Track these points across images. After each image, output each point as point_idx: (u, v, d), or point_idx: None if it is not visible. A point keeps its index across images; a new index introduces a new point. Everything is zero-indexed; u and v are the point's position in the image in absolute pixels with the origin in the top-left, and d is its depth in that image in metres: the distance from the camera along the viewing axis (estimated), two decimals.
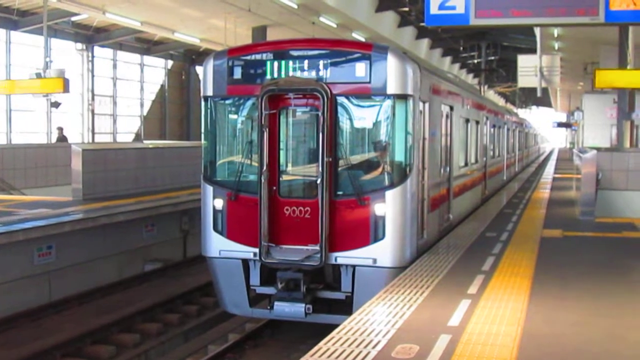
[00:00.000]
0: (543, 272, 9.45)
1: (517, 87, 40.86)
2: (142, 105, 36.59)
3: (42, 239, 12.40)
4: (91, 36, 31.35)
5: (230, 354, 10.17)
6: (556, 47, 29.14)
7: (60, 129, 26.29)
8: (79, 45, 31.22)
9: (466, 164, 15.09)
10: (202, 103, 10.33)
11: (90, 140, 31.80)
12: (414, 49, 36.41)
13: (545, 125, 76.98)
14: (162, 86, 38.60)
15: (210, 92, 10.18)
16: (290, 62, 9.80)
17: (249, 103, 10.03)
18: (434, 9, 7.89)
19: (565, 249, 11.51)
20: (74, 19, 27.90)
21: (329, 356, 6.01)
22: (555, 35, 26.02)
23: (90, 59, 31.84)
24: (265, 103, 9.49)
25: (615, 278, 9.22)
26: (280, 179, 9.87)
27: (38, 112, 27.81)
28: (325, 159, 9.34)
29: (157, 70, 37.97)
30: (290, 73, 9.74)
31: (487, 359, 5.98)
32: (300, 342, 10.12)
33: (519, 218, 14.95)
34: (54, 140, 26.30)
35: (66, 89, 20.05)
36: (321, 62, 9.67)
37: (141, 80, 36.38)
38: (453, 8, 7.80)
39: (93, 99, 32.37)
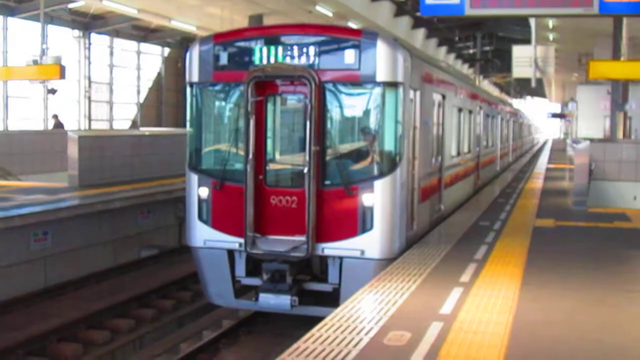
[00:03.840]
0: (535, 261, 9.47)
1: (511, 78, 40.83)
2: (138, 92, 36.50)
3: (38, 225, 12.39)
4: (88, 23, 31.22)
5: (224, 340, 10.20)
6: (551, 38, 29.14)
7: (55, 116, 26.23)
8: (76, 33, 31.09)
9: (458, 154, 14.89)
10: (187, 89, 10.04)
11: (87, 127, 31.72)
12: (409, 39, 36.35)
13: (539, 116, 77.01)
14: (159, 73, 38.51)
15: (195, 79, 9.90)
16: (278, 48, 9.48)
17: (236, 90, 9.74)
18: (429, 0, 7.86)
19: (557, 238, 11.54)
20: (70, 5, 27.78)
21: (322, 342, 6.02)
22: (550, 26, 26.02)
23: (87, 46, 31.71)
24: (252, 90, 9.23)
25: (607, 267, 9.24)
26: (267, 167, 9.63)
27: (34, 98, 27.72)
28: (312, 147, 9.07)
29: (153, 57, 37.84)
30: (278, 59, 9.45)
31: (479, 347, 6.00)
32: (295, 329, 10.13)
33: (512, 207, 14.98)
34: (50, 127, 26.23)
35: (63, 75, 20.01)
36: (310, 48, 9.36)
37: (138, 67, 36.27)
38: None
39: (90, 86, 32.27)
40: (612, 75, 19.11)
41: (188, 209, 10.02)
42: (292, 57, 9.39)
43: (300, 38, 9.48)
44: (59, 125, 25.41)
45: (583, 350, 6.02)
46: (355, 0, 28.63)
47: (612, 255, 10.05)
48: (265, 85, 9.43)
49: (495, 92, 61.24)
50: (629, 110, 25.77)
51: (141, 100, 36.79)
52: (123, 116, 35.39)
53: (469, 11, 7.74)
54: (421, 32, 40.60)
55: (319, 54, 9.34)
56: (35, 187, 16.40)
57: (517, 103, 64.35)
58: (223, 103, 10.17)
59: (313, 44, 9.38)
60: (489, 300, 7.40)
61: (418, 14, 8.18)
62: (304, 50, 9.37)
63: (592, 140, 22.06)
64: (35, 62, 20.30)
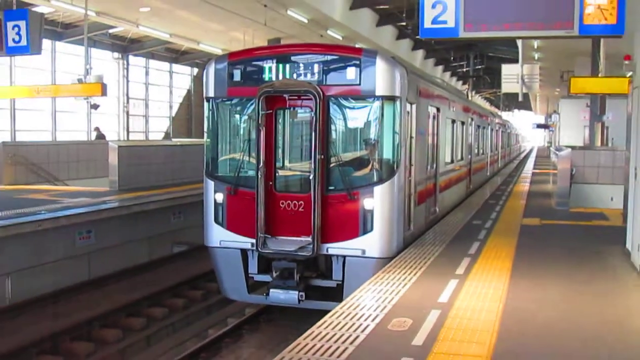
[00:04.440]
0: (523, 255, 9.45)
1: (501, 93, 40.66)
2: (170, 107, 36.60)
3: (83, 224, 12.46)
4: (126, 46, 31.37)
5: (247, 326, 10.21)
6: (536, 57, 29.02)
7: (97, 129, 26.40)
8: (116, 54, 31.24)
9: (452, 161, 14.67)
10: (205, 104, 9.93)
11: (125, 138, 31.85)
12: (410, 59, 36.32)
13: (526, 126, 76.65)
14: (189, 91, 38.57)
15: (212, 94, 9.79)
16: (286, 66, 9.35)
17: (248, 104, 9.52)
18: (427, 23, 7.82)
19: (542, 235, 11.51)
20: (111, 31, 27.93)
21: (333, 327, 6.03)
22: (535, 46, 25.92)
23: (125, 66, 31.86)
24: (263, 104, 9.10)
25: (586, 261, 9.21)
26: (276, 174, 9.49)
27: (79, 113, 27.86)
28: (317, 156, 8.93)
29: (184, 76, 37.93)
30: (286, 76, 9.32)
31: (473, 331, 5.99)
32: (308, 318, 10.12)
33: (501, 208, 14.94)
34: (93, 138, 26.37)
35: (104, 92, 20.05)
36: (315, 66, 9.23)
37: (170, 85, 36.37)
38: (444, 22, 7.74)
39: (128, 101, 32.41)
40: (591, 90, 18.99)
41: (205, 212, 9.91)
42: (299, 74, 9.27)
43: (307, 57, 9.35)
44: (100, 136, 25.54)
45: (567, 334, 6.00)
46: (363, 25, 28.64)
47: (591, 251, 10.01)
48: (275, 100, 9.29)
49: (486, 105, 61.05)
50: (606, 120, 25.61)
51: (173, 114, 36.87)
52: (157, 128, 35.49)
53: (463, 34, 7.69)
54: (420, 53, 40.58)
55: (323, 70, 9.23)
56: (80, 191, 16.49)
57: (505, 115, 64.06)
58: (237, 116, 9.96)
59: (318, 62, 9.26)
60: (481, 291, 7.38)
61: (418, 36, 8.02)
62: (310, 67, 9.26)
63: (573, 147, 21.93)
64: (80, 81, 20.38)
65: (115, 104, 31.48)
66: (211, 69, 9.79)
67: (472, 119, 18.12)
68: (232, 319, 10.60)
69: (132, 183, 16.82)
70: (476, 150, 19.45)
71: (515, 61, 29.56)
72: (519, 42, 26.09)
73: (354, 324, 6.13)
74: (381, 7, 29.12)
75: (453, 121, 14.55)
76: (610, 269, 8.78)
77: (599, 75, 20.36)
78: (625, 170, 11.14)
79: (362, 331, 5.92)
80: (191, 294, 12.26)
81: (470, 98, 33.35)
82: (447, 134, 13.68)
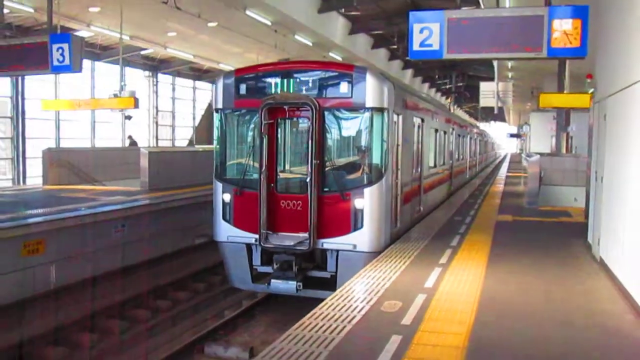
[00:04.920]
0: (497, 247, 9.45)
1: (479, 106, 40.67)
2: (194, 118, 36.59)
3: (118, 219, 12.46)
4: (156, 65, 31.38)
5: (259, 307, 10.20)
6: (510, 76, 28.97)
7: (130, 137, 26.48)
8: (147, 73, 31.24)
9: (435, 165, 14.51)
10: (214, 114, 9.80)
11: (155, 145, 31.86)
12: (400, 77, 36.30)
13: (501, 136, 76.57)
14: (209, 104, 38.62)
15: (220, 105, 9.61)
16: (286, 81, 9.24)
17: (252, 114, 9.34)
18: (416, 46, 7.83)
19: (515, 230, 11.50)
20: (142, 52, 27.93)
21: (333, 309, 6.04)
22: (509, 66, 25.88)
23: (155, 83, 31.85)
24: (265, 114, 8.98)
25: (553, 253, 9.21)
26: (278, 177, 9.35)
27: (115, 123, 27.88)
28: (313, 161, 8.80)
29: (205, 92, 37.93)
30: (286, 90, 9.19)
31: (454, 311, 6.00)
32: (308, 305, 10.12)
33: (479, 206, 14.93)
34: (126, 144, 26.40)
35: (136, 105, 20.10)
36: (312, 81, 9.12)
37: (193, 99, 36.36)
38: (430, 45, 7.74)
39: (157, 113, 32.39)
40: (557, 104, 18.94)
41: (214, 211, 9.77)
42: (298, 88, 9.16)
43: (304, 73, 9.23)
44: (133, 143, 25.58)
45: (537, 314, 6.01)
46: (360, 48, 28.64)
47: (556, 242, 10.01)
48: (276, 111, 9.13)
49: (466, 117, 60.94)
50: (570, 131, 25.58)
51: (195, 124, 36.88)
52: (182, 136, 35.48)
53: (446, 55, 7.69)
54: (409, 72, 40.57)
55: (319, 85, 9.11)
56: (115, 190, 16.51)
57: (483, 126, 63.93)
58: (242, 125, 9.78)
59: (314, 77, 9.15)
60: (462, 277, 7.39)
61: (407, 57, 7.94)
62: (307, 82, 9.14)
63: (541, 154, 21.95)
64: (115, 95, 20.40)
65: (146, 115, 31.48)
66: (220, 84, 9.64)
67: (453, 129, 17.98)
68: (246, 301, 10.61)
69: (160, 183, 16.82)
70: (457, 156, 19.31)
71: (492, 79, 29.56)
72: (495, 63, 26.08)
73: (351, 305, 6.14)
74: (376, 32, 29.14)
75: (436, 130, 14.40)
76: (574, 259, 8.77)
77: (565, 91, 20.31)
78: (587, 174, 11.13)
79: (359, 312, 5.93)
80: (211, 279, 12.28)
81: (452, 111, 33.33)
82: (430, 141, 13.54)
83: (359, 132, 9.24)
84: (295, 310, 9.72)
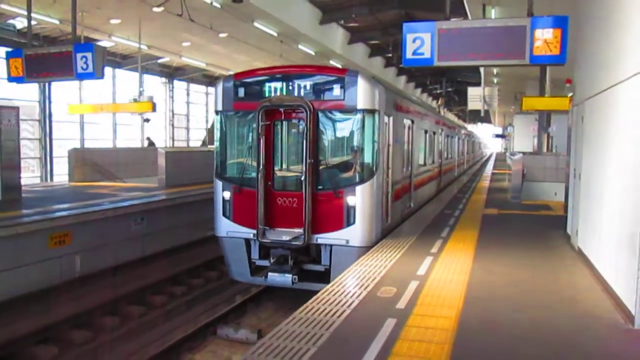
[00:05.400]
0: (484, 237, 9.43)
1: (467, 109, 40.57)
2: (206, 121, 36.59)
3: (137, 213, 12.48)
4: (172, 73, 31.36)
5: (266, 294, 10.17)
6: (495, 81, 28.91)
7: (149, 138, 26.49)
8: (163, 79, 31.23)
9: (425, 164, 14.21)
10: (215, 116, 9.47)
11: (171, 145, 31.86)
12: (395, 83, 36.22)
13: (487, 136, 76.47)
14: None
15: (220, 107, 9.30)
16: (282, 84, 8.92)
17: (250, 116, 9.00)
18: (409, 55, 7.79)
19: (500, 222, 11.47)
20: (159, 61, 27.92)
21: (333, 294, 6.03)
22: (495, 72, 25.82)
23: (170, 89, 31.84)
24: (262, 116, 8.71)
25: (535, 243, 9.18)
26: (274, 175, 9.04)
27: (134, 125, 27.88)
28: (308, 160, 8.53)
29: None
30: (282, 92, 8.89)
31: (445, 296, 5.99)
32: (312, 293, 10.10)
33: (467, 201, 14.90)
34: (145, 145, 26.40)
35: (154, 109, 20.11)
36: (306, 84, 8.80)
37: (206, 103, 36.36)
38: (422, 54, 7.71)
39: (173, 116, 32.40)
40: (538, 107, 18.90)
41: (215, 207, 9.48)
42: (293, 91, 8.85)
43: (299, 76, 8.89)
44: (151, 144, 25.59)
45: (519, 299, 5.99)
46: (358, 56, 28.59)
47: (538, 234, 9.99)
48: (273, 112, 8.86)
49: (455, 119, 60.81)
50: (551, 132, 25.56)
51: (208, 126, 36.90)
52: (196, 138, 35.49)
53: (437, 62, 7.66)
54: (403, 78, 40.50)
55: (313, 88, 8.79)
56: (135, 187, 16.52)
57: (471, 127, 63.81)
58: (241, 126, 9.40)
59: (309, 80, 8.83)
60: (451, 266, 7.37)
61: (401, 65, 7.80)
62: (302, 85, 8.83)
63: (524, 153, 21.90)
64: (135, 100, 20.40)
65: (163, 118, 31.47)
66: (220, 87, 9.33)
67: (442, 130, 17.77)
68: (255, 288, 10.60)
69: (176, 181, 16.82)
70: (446, 155, 19.12)
71: (479, 84, 29.50)
72: (482, 69, 26.02)
73: (350, 291, 6.13)
74: (372, 42, 29.09)
75: (425, 131, 14.13)
76: (554, 248, 8.75)
77: (545, 95, 20.27)
78: (566, 171, 11.10)
79: (357, 297, 5.92)
80: (223, 268, 12.24)
81: (442, 113, 33.25)
82: (420, 141, 13.25)
83: (351, 133, 8.94)
84: (299, 297, 9.73)
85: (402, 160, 10.94)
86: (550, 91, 21.23)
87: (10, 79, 10.86)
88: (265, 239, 8.83)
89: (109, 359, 7.84)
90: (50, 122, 21.98)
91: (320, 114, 8.72)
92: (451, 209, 12.91)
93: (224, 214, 9.35)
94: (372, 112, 8.72)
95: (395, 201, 10.13)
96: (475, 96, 28.51)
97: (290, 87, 8.89)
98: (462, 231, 9.99)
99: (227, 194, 9.31)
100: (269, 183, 8.95)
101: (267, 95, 8.97)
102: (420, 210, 12.61)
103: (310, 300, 5.81)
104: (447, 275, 6.89)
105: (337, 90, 8.68)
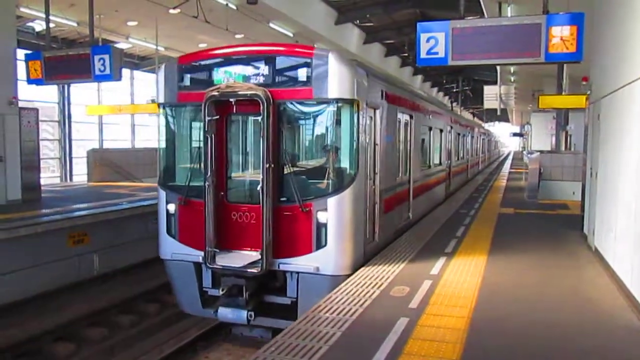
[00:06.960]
0: (499, 237, 9.37)
1: (483, 108, 40.21)
2: None
3: (154, 213, 12.51)
4: None
5: None
6: (512, 79, 28.64)
7: None
8: None
9: (429, 167, 12.40)
10: (159, 109, 7.63)
11: None
12: (411, 82, 36.08)
13: (504, 135, 75.87)
14: None
15: (162, 99, 7.51)
16: (235, 68, 7.09)
17: (197, 109, 7.15)
18: (423, 54, 7.74)
19: (516, 221, 11.38)
20: None
21: (347, 294, 6.03)
22: (511, 71, 25.59)
23: None
24: (210, 109, 6.89)
25: (551, 243, 9.10)
26: (228, 184, 7.26)
27: (152, 126, 28.19)
28: (265, 165, 6.68)
29: None
30: (235, 79, 7.06)
31: (458, 296, 5.97)
32: None
33: (483, 200, 14.81)
34: None
35: None
36: (265, 67, 6.95)
37: None
38: (436, 53, 7.66)
39: None
40: (556, 105, 18.68)
41: (159, 223, 7.65)
42: (248, 77, 7.01)
43: (255, 58, 7.05)
44: None
45: (533, 300, 5.94)
46: (373, 56, 28.51)
47: (555, 234, 9.88)
48: (225, 105, 7.01)
49: (470, 118, 60.33)
50: (569, 130, 25.24)
51: None
52: None
53: (451, 62, 7.61)
54: (419, 78, 40.33)
55: (273, 72, 6.93)
56: (152, 187, 16.66)
57: (488, 126, 63.26)
58: (186, 122, 7.65)
59: (267, 63, 6.96)
60: (464, 266, 7.34)
61: (416, 64, 7.61)
62: (259, 69, 6.98)
63: (542, 151, 21.67)
64: (153, 101, 20.64)
65: None
66: (161, 73, 7.52)
67: (451, 127, 15.99)
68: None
69: None
70: (456, 156, 17.79)
71: (495, 83, 29.27)
72: (498, 67, 25.81)
73: (363, 291, 6.13)
74: (388, 42, 29.00)
75: (430, 129, 12.28)
76: (570, 248, 8.65)
77: (563, 93, 20.03)
78: (584, 170, 10.97)
79: (370, 296, 5.92)
80: None
81: (459, 112, 33.01)
82: (422, 140, 11.47)
83: (321, 129, 7.14)
84: None
85: (396, 163, 9.20)
86: (568, 89, 20.97)
87: (30, 81, 11.06)
88: (214, 265, 6.94)
89: (126, 356, 7.94)
90: (70, 123, 22.29)
91: (282, 106, 6.90)
92: (467, 209, 12.83)
93: (169, 232, 7.56)
94: (349, 102, 6.81)
95: (386, 213, 8.33)
96: (491, 95, 28.31)
97: (245, 72, 7.06)
98: (478, 231, 9.93)
99: (171, 207, 7.49)
100: (221, 193, 7.19)
101: (217, 82, 7.13)
102: (438, 208, 12.16)
103: (323, 300, 5.82)
104: (460, 275, 6.85)
105: (302, 75, 6.81)
